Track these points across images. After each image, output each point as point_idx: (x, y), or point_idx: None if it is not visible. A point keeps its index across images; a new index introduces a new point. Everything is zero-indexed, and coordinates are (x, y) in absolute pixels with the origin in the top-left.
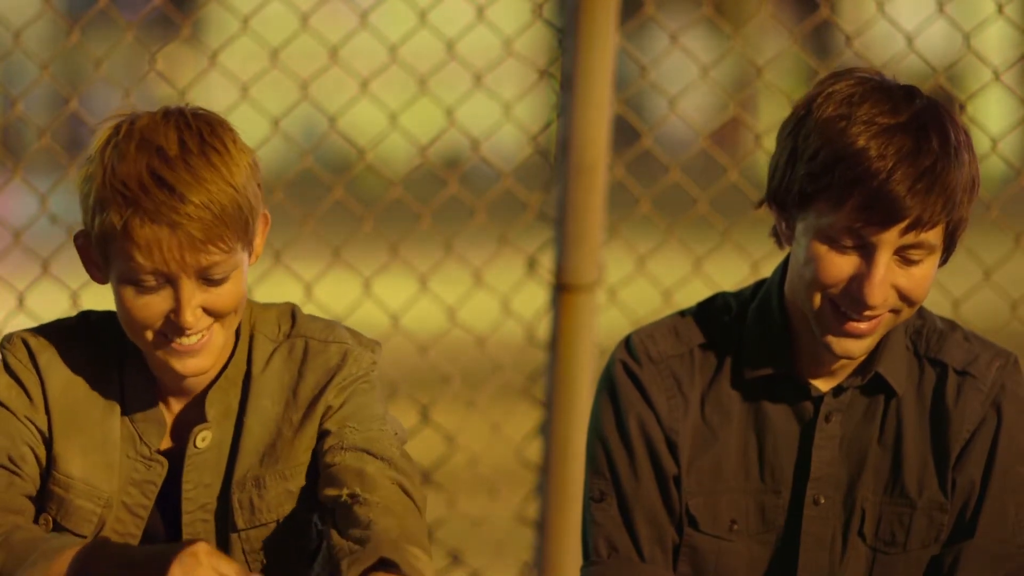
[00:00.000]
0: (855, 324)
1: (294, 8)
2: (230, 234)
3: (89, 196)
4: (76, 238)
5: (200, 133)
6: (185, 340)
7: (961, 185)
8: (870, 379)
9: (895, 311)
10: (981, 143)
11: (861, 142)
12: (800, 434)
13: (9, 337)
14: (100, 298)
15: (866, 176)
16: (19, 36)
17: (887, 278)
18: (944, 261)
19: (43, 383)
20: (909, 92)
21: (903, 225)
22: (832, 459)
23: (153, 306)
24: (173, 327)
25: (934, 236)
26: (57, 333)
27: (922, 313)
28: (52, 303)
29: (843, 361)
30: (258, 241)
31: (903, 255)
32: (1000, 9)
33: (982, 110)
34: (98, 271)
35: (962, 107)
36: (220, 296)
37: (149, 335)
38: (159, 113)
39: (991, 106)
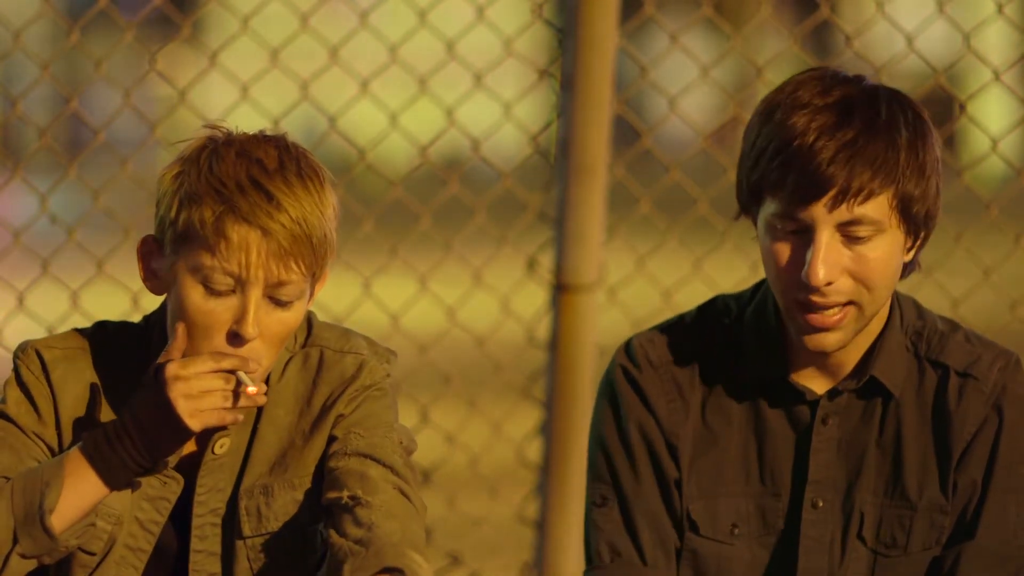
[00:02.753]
0: (818, 318)
1: (294, 8)
2: (310, 258)
3: (178, 192)
4: (142, 243)
5: (298, 159)
6: (242, 351)
7: (899, 160)
8: (866, 382)
9: (856, 303)
10: (981, 143)
11: (789, 121)
12: (798, 437)
13: (23, 347)
14: (100, 299)
15: (792, 154)
16: (19, 36)
17: (830, 258)
18: (913, 247)
19: (55, 398)
20: (852, 79)
21: (829, 196)
22: (830, 462)
23: (216, 313)
24: (231, 339)
25: (874, 211)
26: (72, 345)
27: (922, 314)
28: (52, 303)
29: (838, 363)
30: (319, 286)
31: (846, 233)
32: (1000, 9)
33: (982, 110)
34: (157, 278)
35: (962, 107)
36: (279, 321)
37: (204, 344)
38: (258, 134)
39: (991, 106)
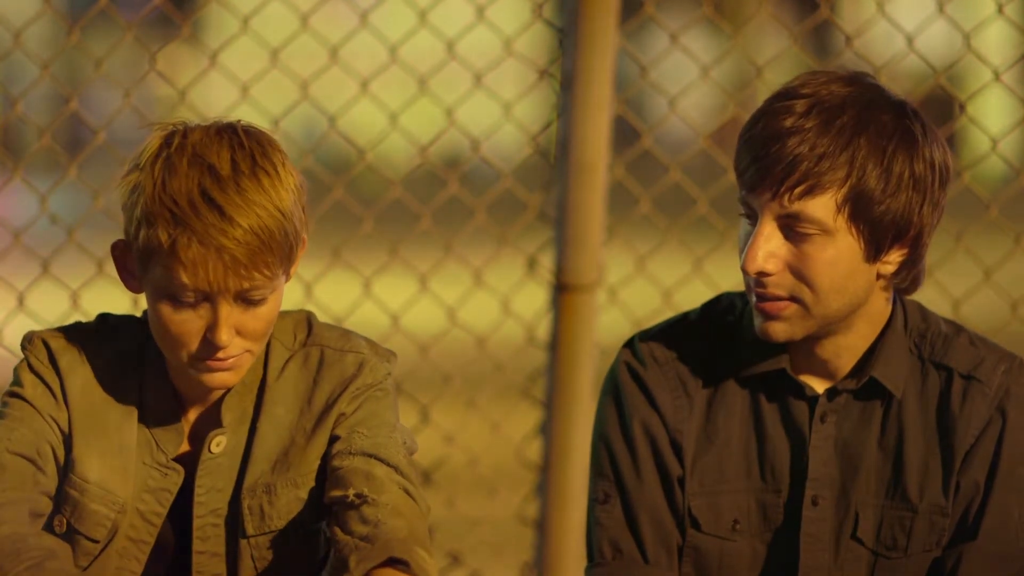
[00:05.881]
0: (761, 304)
1: (294, 8)
2: (273, 260)
3: (136, 207)
4: (114, 247)
5: (252, 154)
6: (221, 354)
7: (854, 160)
8: (865, 383)
9: (797, 299)
10: (981, 143)
11: (768, 106)
12: (797, 434)
13: (29, 337)
14: (100, 299)
15: (752, 136)
16: (19, 36)
17: (768, 248)
18: (881, 258)
19: (63, 384)
20: (857, 82)
21: (770, 181)
22: (828, 460)
23: (190, 322)
24: (207, 345)
25: (816, 210)
26: (77, 335)
27: (927, 317)
28: (52, 303)
29: (835, 366)
30: (293, 268)
31: (790, 227)
32: (1000, 9)
33: (982, 110)
34: (134, 280)
35: (962, 107)
36: (255, 317)
37: (182, 350)
38: (212, 128)
39: (991, 106)
